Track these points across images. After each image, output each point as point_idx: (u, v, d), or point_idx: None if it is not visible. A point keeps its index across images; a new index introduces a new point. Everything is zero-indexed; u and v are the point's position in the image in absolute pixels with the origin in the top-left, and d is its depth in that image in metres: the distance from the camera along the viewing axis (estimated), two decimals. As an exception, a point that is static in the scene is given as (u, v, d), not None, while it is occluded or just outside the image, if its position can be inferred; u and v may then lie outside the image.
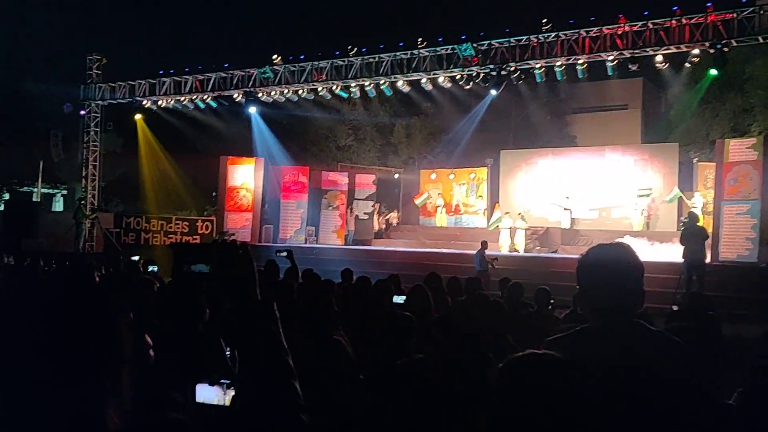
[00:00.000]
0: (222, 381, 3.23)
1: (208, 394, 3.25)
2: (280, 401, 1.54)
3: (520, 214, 21.45)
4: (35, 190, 34.74)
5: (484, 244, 15.89)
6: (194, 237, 24.07)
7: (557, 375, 1.60)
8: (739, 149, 16.35)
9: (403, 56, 19.56)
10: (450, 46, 18.85)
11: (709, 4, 15.87)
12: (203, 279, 1.64)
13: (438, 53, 19.14)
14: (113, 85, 24.04)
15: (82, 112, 24.67)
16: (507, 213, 21.61)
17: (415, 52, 19.31)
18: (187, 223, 24.81)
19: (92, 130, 24.51)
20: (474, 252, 16.00)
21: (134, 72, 24.28)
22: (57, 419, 1.25)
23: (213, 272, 1.63)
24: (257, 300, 1.62)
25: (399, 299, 6.92)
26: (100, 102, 24.39)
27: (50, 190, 38.55)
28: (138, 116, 24.19)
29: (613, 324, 2.30)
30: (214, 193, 25.67)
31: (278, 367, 1.57)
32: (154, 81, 23.27)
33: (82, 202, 23.29)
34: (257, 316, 1.60)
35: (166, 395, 3.05)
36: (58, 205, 38.86)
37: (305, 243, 22.57)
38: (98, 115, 24.56)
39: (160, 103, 23.46)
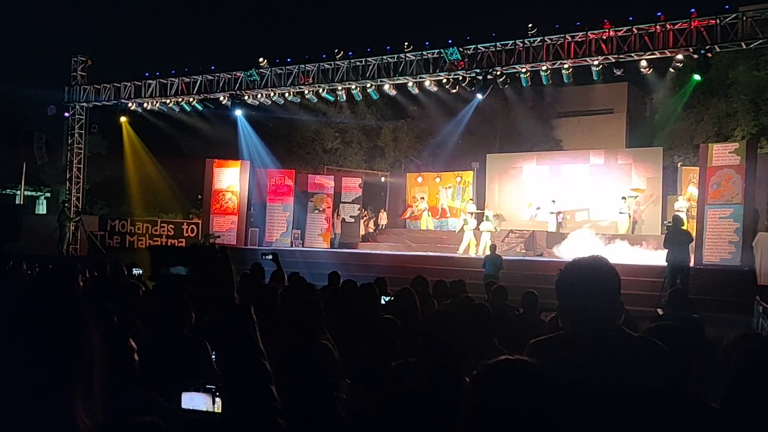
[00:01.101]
0: (208, 387, 3.20)
1: (194, 400, 3.23)
2: (256, 405, 1.55)
3: (486, 216, 21.33)
4: (18, 192, 34.43)
5: (494, 248, 15.74)
6: (180, 240, 23.95)
7: (530, 382, 1.61)
8: (723, 153, 16.49)
9: (390, 60, 19.58)
10: (436, 50, 18.90)
11: (692, 10, 16.01)
12: (181, 281, 1.64)
13: (424, 57, 19.17)
14: (98, 86, 23.88)
15: (67, 114, 24.50)
16: (471, 214, 21.57)
17: (402, 55, 19.32)
18: (173, 226, 24.69)
19: (77, 132, 24.34)
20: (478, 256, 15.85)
21: (119, 74, 24.19)
22: (26, 421, 1.24)
23: (191, 275, 1.62)
24: (234, 303, 1.63)
25: (385, 299, 6.98)
26: (84, 104, 24.22)
27: (33, 193, 38.23)
28: (123, 118, 24.03)
29: (596, 331, 2.33)
30: (199, 196, 25.55)
31: (254, 371, 1.58)
32: (139, 83, 23.14)
33: (66, 204, 23.11)
34: (234, 320, 1.61)
35: (150, 399, 3.04)
36: (42, 208, 38.53)
37: (291, 246, 22.52)
38: (83, 117, 24.40)
39: (145, 105, 23.34)
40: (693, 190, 19.79)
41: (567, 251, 18.34)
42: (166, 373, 3.51)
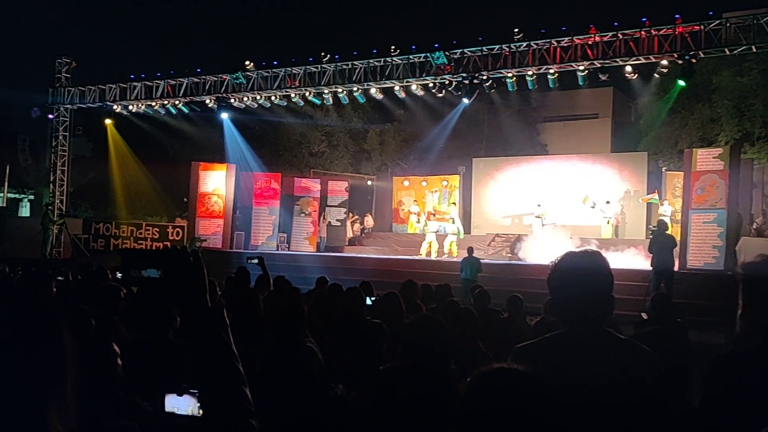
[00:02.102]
0: (192, 390, 3.18)
1: (178, 403, 3.21)
2: (229, 406, 1.54)
3: (451, 218, 21.08)
4: (1, 195, 34.15)
5: (471, 251, 15.55)
6: (165, 243, 23.81)
7: (528, 389, 1.61)
8: (707, 159, 16.60)
9: (377, 63, 19.58)
10: (423, 54, 18.92)
11: (677, 16, 16.13)
12: (154, 284, 1.64)
13: (411, 61, 19.18)
14: (83, 88, 23.71)
15: (51, 117, 24.29)
16: (435, 216, 21.49)
17: (388, 59, 19.33)
18: (158, 229, 24.53)
19: (61, 134, 24.14)
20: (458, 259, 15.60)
21: (104, 76, 24.05)
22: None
23: (163, 278, 1.62)
24: (207, 306, 1.62)
25: (369, 301, 6.99)
26: (69, 106, 24.03)
27: (17, 195, 37.93)
28: (108, 121, 23.88)
29: (583, 333, 2.32)
30: (185, 199, 25.42)
31: (228, 373, 1.58)
32: (125, 85, 22.99)
33: (50, 207, 22.92)
34: (207, 322, 1.61)
35: (131, 403, 3.01)
36: (25, 211, 38.25)
37: (277, 250, 22.46)
38: (67, 119, 24.21)
39: (130, 107, 23.19)
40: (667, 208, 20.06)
41: (532, 254, 18.52)
42: (151, 377, 3.49)
